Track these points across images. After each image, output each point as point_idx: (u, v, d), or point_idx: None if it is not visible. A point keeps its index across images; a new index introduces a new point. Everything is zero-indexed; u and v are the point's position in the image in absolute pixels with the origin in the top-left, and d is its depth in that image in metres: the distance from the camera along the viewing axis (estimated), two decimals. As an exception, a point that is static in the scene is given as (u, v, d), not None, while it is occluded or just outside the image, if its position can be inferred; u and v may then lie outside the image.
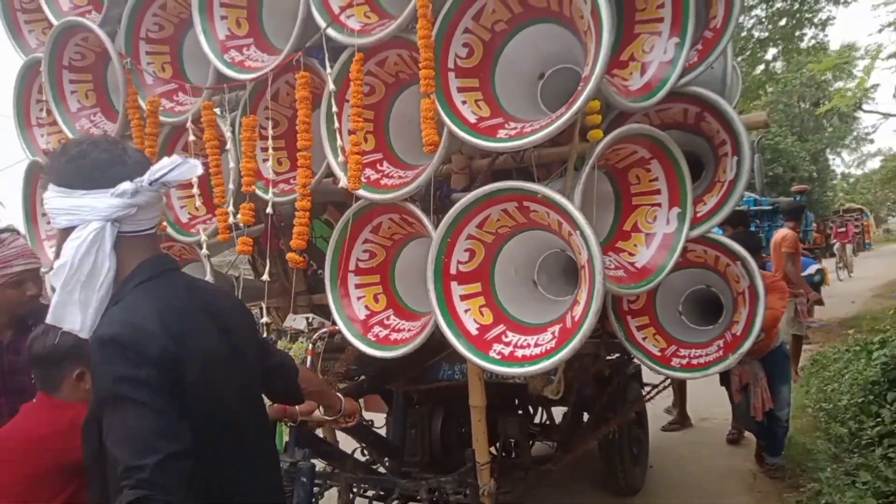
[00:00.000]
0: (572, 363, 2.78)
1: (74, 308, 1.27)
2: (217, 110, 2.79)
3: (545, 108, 2.36)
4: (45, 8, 3.20)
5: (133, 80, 2.97)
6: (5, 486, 1.58)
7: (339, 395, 2.15)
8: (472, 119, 2.13)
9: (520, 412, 3.68)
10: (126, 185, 1.25)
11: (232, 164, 2.71)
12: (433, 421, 3.25)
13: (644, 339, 2.64)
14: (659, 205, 2.46)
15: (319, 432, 2.99)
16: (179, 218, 3.01)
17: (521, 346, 2.15)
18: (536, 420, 3.95)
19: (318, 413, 2.16)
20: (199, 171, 1.32)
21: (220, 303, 1.44)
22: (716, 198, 2.50)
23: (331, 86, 2.31)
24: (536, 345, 2.12)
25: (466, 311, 2.21)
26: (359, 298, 2.56)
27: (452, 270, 2.22)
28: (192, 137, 2.77)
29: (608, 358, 3.29)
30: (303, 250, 2.38)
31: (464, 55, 2.20)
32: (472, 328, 2.18)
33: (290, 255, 2.46)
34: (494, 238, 2.27)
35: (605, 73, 1.94)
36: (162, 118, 2.86)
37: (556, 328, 2.12)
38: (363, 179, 2.38)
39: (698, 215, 2.51)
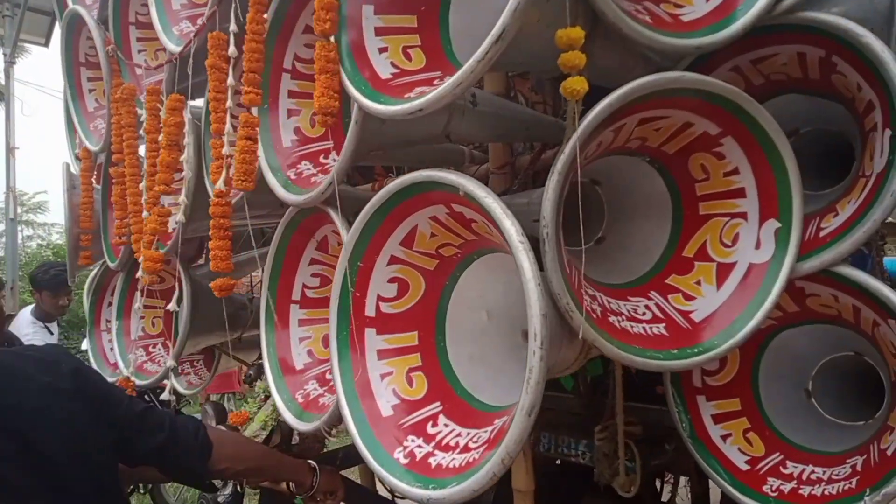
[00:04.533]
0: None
1: None
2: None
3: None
4: None
5: (121, 70, 2.60)
6: None
7: (311, 465, 1.71)
8: (384, 74, 1.34)
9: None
10: None
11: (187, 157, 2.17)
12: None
13: (726, 437, 1.61)
14: (742, 215, 1.45)
15: None
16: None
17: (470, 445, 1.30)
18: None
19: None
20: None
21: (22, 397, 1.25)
22: (855, 204, 1.42)
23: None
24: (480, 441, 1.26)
25: (385, 377, 1.40)
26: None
27: (369, 311, 1.43)
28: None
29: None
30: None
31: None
32: (387, 408, 1.37)
33: (213, 283, 1.85)
34: (439, 264, 1.44)
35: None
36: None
37: (498, 425, 1.23)
38: (290, 175, 1.69)
39: (822, 234, 1.45)
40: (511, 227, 1.07)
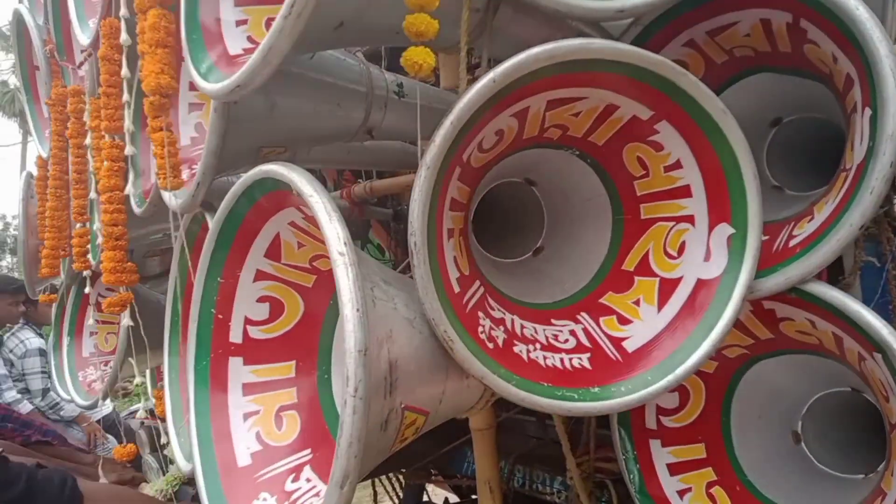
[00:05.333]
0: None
1: None
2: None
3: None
4: None
5: (62, 71, 2.45)
6: None
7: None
8: (234, 49, 1.12)
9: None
10: None
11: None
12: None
13: (683, 493, 1.31)
14: (689, 219, 1.17)
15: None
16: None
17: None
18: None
19: None
20: None
21: None
22: (832, 204, 1.13)
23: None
24: None
25: (249, 416, 1.16)
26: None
27: (234, 336, 1.19)
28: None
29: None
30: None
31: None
32: (245, 456, 1.13)
33: (107, 301, 1.65)
34: (317, 279, 1.20)
35: None
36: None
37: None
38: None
39: (792, 244, 1.16)
40: (333, 233, 0.82)
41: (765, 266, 1.14)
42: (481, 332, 1.04)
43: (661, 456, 1.32)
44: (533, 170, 1.40)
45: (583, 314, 1.22)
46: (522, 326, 1.16)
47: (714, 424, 1.36)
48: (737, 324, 1.26)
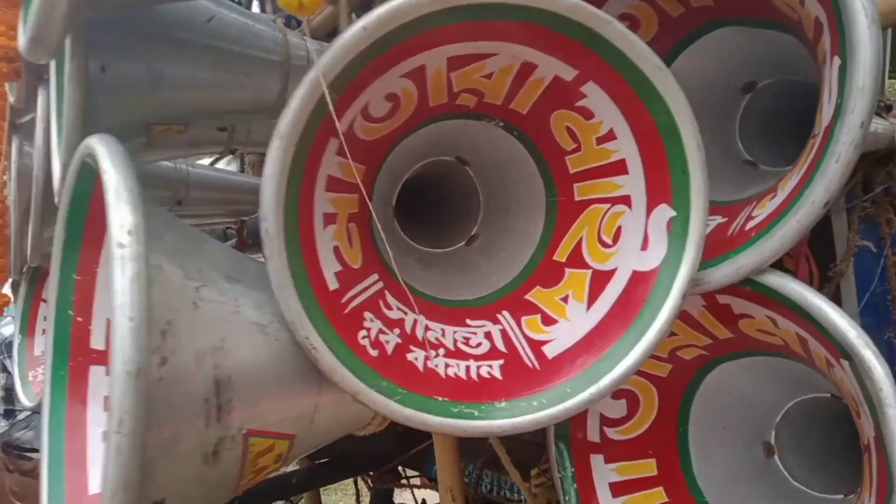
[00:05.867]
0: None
1: None
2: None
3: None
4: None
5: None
6: None
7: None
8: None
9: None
10: None
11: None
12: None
13: (629, 516, 1.13)
14: (625, 199, 0.98)
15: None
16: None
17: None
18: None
19: None
20: None
21: None
22: (796, 178, 0.93)
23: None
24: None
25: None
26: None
27: (96, 342, 1.03)
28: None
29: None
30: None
31: None
32: (96, 484, 0.97)
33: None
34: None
35: None
36: None
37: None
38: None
39: (749, 227, 0.97)
40: (116, 218, 0.65)
41: (717, 253, 0.95)
42: (363, 338, 0.87)
43: (604, 474, 1.14)
44: (463, 147, 1.21)
45: (504, 313, 1.04)
46: (427, 329, 0.98)
47: (668, 436, 1.18)
48: (690, 321, 1.08)
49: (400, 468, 2.51)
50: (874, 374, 0.79)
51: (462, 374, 0.92)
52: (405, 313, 0.98)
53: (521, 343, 0.98)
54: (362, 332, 0.87)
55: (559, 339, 0.96)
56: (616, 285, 0.96)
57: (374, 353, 0.87)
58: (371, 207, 1.03)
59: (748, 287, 0.93)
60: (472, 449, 1.88)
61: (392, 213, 1.22)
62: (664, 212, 0.93)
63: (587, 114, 0.96)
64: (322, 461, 2.36)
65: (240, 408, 0.75)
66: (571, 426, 1.17)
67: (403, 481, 2.52)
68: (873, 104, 0.78)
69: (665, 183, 0.93)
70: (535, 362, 0.95)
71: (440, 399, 0.87)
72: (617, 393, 1.18)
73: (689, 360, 1.16)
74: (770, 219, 0.91)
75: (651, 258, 0.94)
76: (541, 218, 1.12)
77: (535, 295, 1.05)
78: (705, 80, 1.32)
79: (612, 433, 1.17)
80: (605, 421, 1.18)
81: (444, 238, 1.32)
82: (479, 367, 0.94)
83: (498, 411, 0.88)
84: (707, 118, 1.34)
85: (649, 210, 0.95)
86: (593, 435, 1.17)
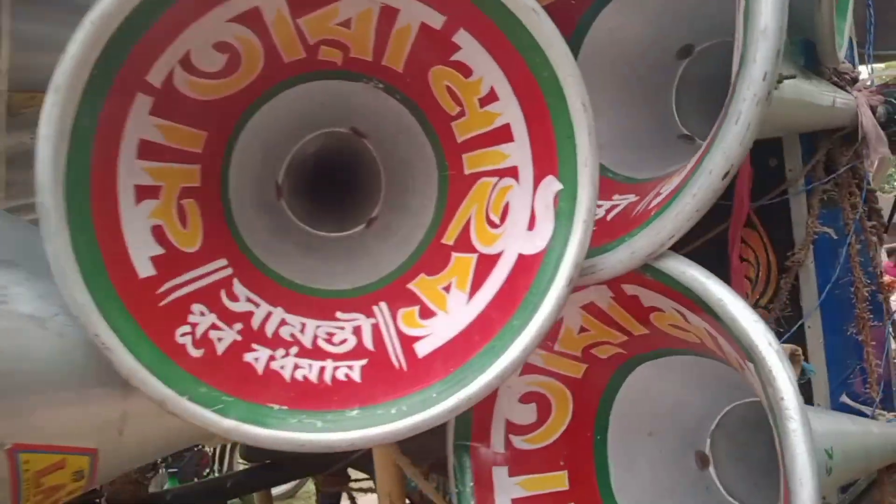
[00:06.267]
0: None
1: None
2: None
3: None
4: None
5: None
6: None
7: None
8: None
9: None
10: None
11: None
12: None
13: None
14: (512, 171, 0.83)
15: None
16: None
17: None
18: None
19: None
20: None
21: None
22: (701, 149, 0.79)
23: None
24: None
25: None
26: None
27: None
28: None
29: None
30: None
31: None
32: None
33: None
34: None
35: None
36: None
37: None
38: None
39: (651, 205, 0.83)
40: None
41: (616, 236, 0.81)
42: (183, 335, 0.73)
43: (507, 488, 1.00)
44: (355, 116, 1.07)
45: (381, 305, 0.90)
46: (282, 323, 0.84)
47: (583, 445, 1.04)
48: (600, 315, 0.94)
49: (350, 471, 2.39)
50: (776, 382, 0.65)
51: (313, 377, 0.78)
52: (256, 305, 0.84)
53: (391, 340, 0.84)
54: (183, 329, 0.73)
55: (434, 334, 0.82)
56: (501, 271, 0.82)
57: (195, 353, 0.73)
58: (229, 182, 0.89)
59: (648, 274, 0.78)
60: (420, 450, 1.74)
61: (277, 192, 1.07)
62: (551, 185, 0.79)
63: (465, 70, 0.82)
64: (265, 462, 2.23)
65: (3, 419, 0.61)
66: (473, 433, 1.03)
67: (353, 484, 2.38)
68: (778, 49, 0.64)
69: (551, 151, 0.78)
70: (404, 362, 0.81)
71: (276, 407, 0.73)
72: (526, 396, 1.04)
73: (606, 360, 1.02)
74: (670, 196, 0.76)
75: (538, 240, 0.80)
76: (433, 195, 0.98)
77: (419, 283, 0.91)
78: (637, 42, 1.17)
79: (520, 442, 1.03)
80: (512, 428, 1.04)
81: (347, 220, 1.18)
82: (336, 369, 0.80)
83: (347, 421, 0.74)
84: (639, 87, 1.21)
85: (536, 183, 0.81)
86: (497, 444, 1.03)
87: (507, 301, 0.80)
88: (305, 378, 0.78)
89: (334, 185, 1.19)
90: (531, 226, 0.81)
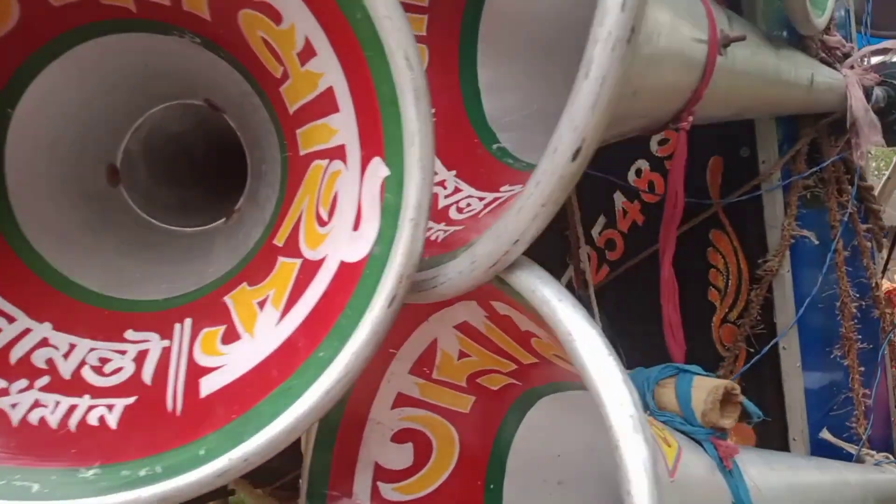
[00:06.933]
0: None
1: None
2: None
3: None
4: None
5: None
6: None
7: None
8: None
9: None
10: None
11: None
12: None
13: None
14: (340, 151, 0.63)
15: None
16: None
17: None
18: None
19: None
20: None
21: None
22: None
23: None
24: None
25: None
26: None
27: None
28: None
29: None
30: None
31: None
32: None
33: None
34: None
35: None
36: None
37: None
38: None
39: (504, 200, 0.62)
40: None
41: (467, 239, 0.60)
42: None
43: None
44: (201, 85, 0.87)
45: (185, 322, 0.70)
46: (40, 344, 0.64)
47: (471, 496, 0.84)
48: (479, 338, 0.74)
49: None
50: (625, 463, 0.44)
51: (53, 421, 0.59)
52: (11, 320, 0.65)
53: (176, 371, 0.64)
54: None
55: (228, 366, 0.62)
56: (319, 284, 0.62)
57: None
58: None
59: (505, 291, 0.57)
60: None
61: (111, 176, 0.88)
62: (377, 169, 0.58)
63: (274, 14, 0.61)
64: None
65: None
66: (331, 479, 0.83)
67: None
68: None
69: (377, 123, 0.58)
70: (180, 403, 0.61)
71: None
72: (400, 434, 0.84)
73: (498, 392, 0.81)
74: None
75: (361, 243, 0.59)
76: (277, 183, 0.78)
77: (237, 295, 0.71)
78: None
79: (390, 491, 0.83)
80: (381, 474, 0.83)
81: (208, 212, 0.98)
82: (90, 409, 0.60)
83: (75, 485, 0.54)
84: (561, 56, 0.99)
85: (363, 167, 0.60)
86: (362, 493, 0.83)
87: (319, 325, 0.59)
88: (42, 421, 0.58)
89: (195, 170, 1.00)
90: (356, 224, 0.60)
